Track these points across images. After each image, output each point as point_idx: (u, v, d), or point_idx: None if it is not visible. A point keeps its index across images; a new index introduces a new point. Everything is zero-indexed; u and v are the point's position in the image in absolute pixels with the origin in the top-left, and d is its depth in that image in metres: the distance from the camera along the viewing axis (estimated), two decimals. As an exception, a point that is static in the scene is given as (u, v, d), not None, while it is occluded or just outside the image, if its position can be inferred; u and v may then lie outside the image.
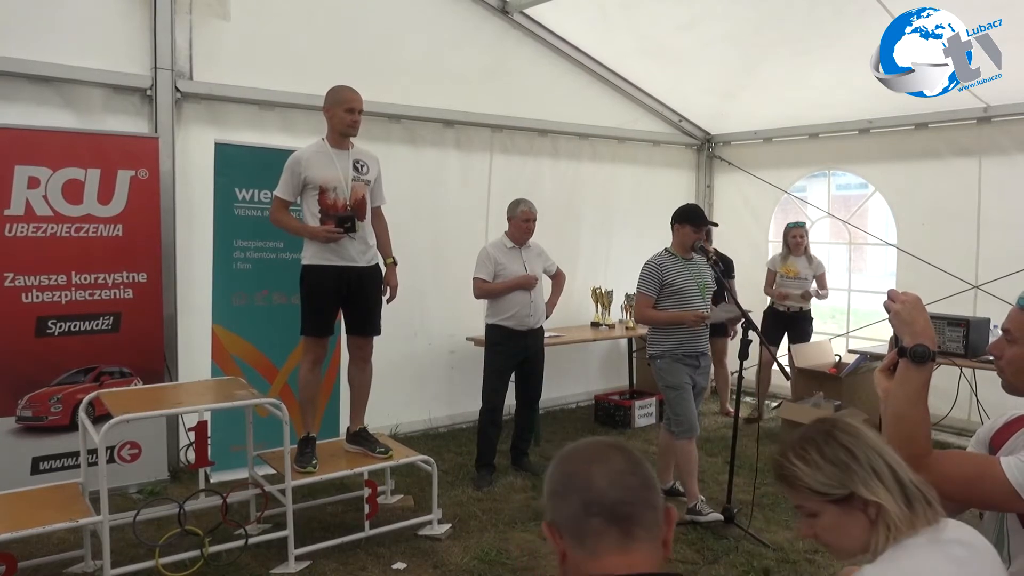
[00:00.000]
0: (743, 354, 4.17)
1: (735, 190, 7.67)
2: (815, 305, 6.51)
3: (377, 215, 4.19)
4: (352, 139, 4.04)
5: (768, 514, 4.43)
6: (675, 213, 4.50)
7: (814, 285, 6.32)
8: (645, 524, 1.17)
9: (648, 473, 1.21)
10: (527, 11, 6.19)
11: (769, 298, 6.44)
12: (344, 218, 3.87)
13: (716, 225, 4.70)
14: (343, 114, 3.92)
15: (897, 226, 6.47)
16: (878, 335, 6.76)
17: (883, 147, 6.47)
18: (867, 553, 1.38)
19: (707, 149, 7.82)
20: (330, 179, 3.91)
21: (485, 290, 4.95)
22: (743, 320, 4.32)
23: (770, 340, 5.01)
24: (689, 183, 7.83)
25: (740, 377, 4.48)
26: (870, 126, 6.46)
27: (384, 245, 4.21)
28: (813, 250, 6.45)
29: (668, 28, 5.99)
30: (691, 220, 4.41)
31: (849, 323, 7.15)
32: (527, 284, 4.93)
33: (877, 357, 5.97)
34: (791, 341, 6.35)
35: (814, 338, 7.23)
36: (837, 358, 6.30)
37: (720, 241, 6.95)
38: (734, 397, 4.40)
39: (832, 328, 7.83)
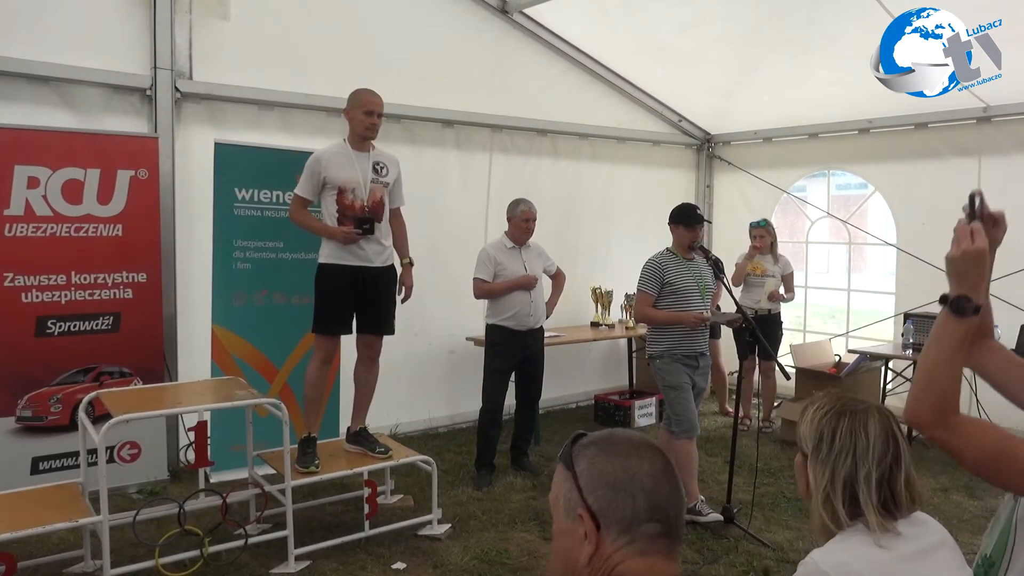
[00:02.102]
0: (743, 354, 4.17)
1: (735, 190, 7.66)
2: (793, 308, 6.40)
3: (395, 216, 4.22)
4: (373, 140, 4.07)
5: (768, 514, 4.43)
6: (670, 215, 4.51)
7: (781, 289, 6.24)
8: (681, 541, 1.19)
9: None
10: (527, 11, 6.19)
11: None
12: (363, 219, 3.91)
13: (709, 222, 4.67)
14: (362, 116, 3.96)
15: (897, 226, 6.48)
16: (878, 335, 6.76)
17: (883, 147, 6.47)
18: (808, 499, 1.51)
19: (707, 149, 7.82)
20: (349, 180, 3.94)
21: (485, 290, 4.95)
22: (743, 322, 4.32)
23: (742, 347, 4.98)
24: (689, 183, 7.83)
25: (740, 377, 4.49)
26: (870, 126, 6.46)
27: (401, 245, 4.25)
28: (812, 250, 6.41)
29: (668, 28, 5.99)
30: (682, 220, 4.42)
31: (849, 323, 7.15)
32: (527, 284, 4.94)
33: (877, 357, 5.98)
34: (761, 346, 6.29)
35: (813, 338, 7.24)
36: (837, 358, 6.30)
37: (720, 241, 6.97)
38: (733, 397, 4.40)
39: (832, 328, 7.83)
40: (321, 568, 3.68)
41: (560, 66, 6.64)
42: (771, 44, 5.84)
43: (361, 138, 4.02)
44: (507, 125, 6.37)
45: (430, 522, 4.13)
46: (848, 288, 7.24)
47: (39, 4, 4.41)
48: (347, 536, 3.89)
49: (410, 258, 4.26)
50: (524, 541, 4.05)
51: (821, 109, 6.55)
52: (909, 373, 5.85)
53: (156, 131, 4.75)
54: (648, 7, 5.78)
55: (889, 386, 5.93)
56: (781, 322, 6.37)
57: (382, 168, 4.07)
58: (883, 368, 5.96)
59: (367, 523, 3.90)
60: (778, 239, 6.39)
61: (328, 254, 3.98)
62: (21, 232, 4.21)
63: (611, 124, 7.04)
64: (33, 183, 4.21)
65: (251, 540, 3.67)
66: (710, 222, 4.73)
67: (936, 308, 1.57)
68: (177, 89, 4.84)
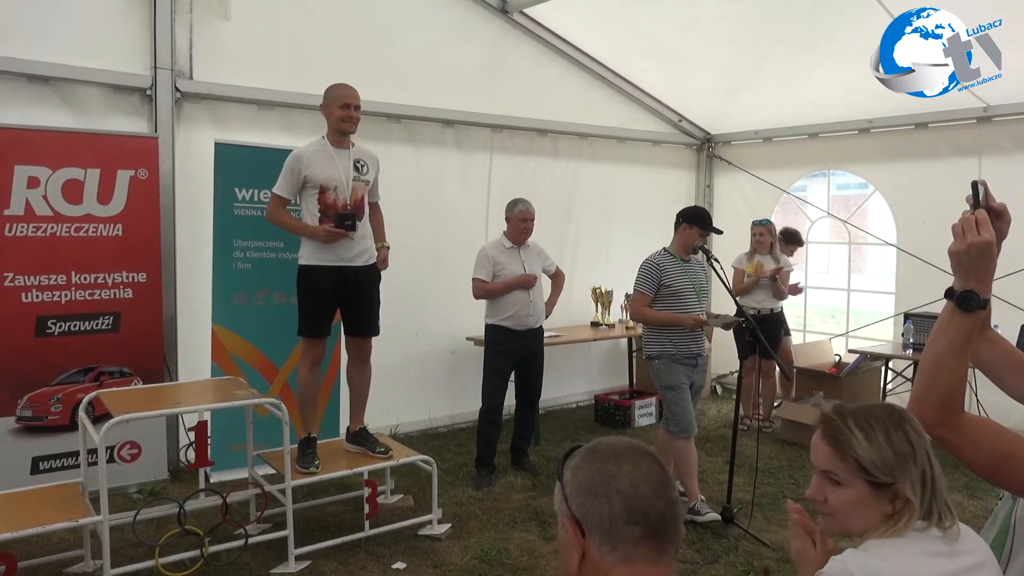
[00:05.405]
0: (743, 354, 4.17)
1: (735, 190, 7.67)
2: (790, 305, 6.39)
3: (373, 208, 4.20)
4: (352, 138, 4.04)
5: (768, 514, 4.43)
6: (684, 212, 4.49)
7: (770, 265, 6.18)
8: (675, 541, 1.17)
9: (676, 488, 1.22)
10: (527, 11, 6.19)
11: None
12: (345, 216, 3.87)
13: (721, 232, 4.65)
14: (338, 110, 3.91)
15: (897, 226, 6.48)
16: (878, 335, 6.76)
17: (883, 147, 6.47)
18: (859, 536, 1.41)
19: (707, 149, 7.82)
20: (331, 178, 3.90)
21: (484, 290, 4.95)
22: (744, 323, 4.32)
23: (743, 348, 4.96)
24: (689, 183, 7.83)
25: (740, 377, 4.49)
26: (870, 126, 6.46)
27: (378, 231, 4.20)
28: (812, 250, 6.39)
29: (668, 28, 5.99)
30: (700, 223, 4.41)
31: (849, 323, 7.15)
32: (526, 284, 4.94)
33: (877, 357, 5.98)
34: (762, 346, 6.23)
35: (814, 338, 7.25)
36: (837, 358, 6.30)
37: (720, 241, 6.96)
38: (733, 397, 4.40)
39: (832, 328, 7.83)
40: (321, 568, 3.68)
41: (560, 66, 6.64)
42: (771, 44, 5.84)
43: (339, 133, 3.96)
44: (507, 125, 6.37)
45: (430, 522, 4.13)
46: (848, 288, 7.24)
47: (39, 4, 4.41)
48: (347, 536, 3.89)
49: (387, 243, 4.22)
50: (524, 541, 4.05)
51: (821, 109, 6.55)
52: (909, 373, 5.84)
53: (156, 131, 4.75)
54: (648, 7, 5.78)
55: (889, 386, 5.93)
56: (783, 321, 6.35)
57: (363, 166, 4.04)
58: (883, 368, 5.96)
59: (367, 523, 3.90)
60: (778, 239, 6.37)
61: (309, 255, 3.94)
62: (21, 232, 4.21)
63: (611, 124, 7.04)
64: (33, 183, 4.21)
65: (251, 540, 3.67)
66: (722, 232, 4.65)
67: (937, 308, 1.53)
68: (177, 89, 4.84)
